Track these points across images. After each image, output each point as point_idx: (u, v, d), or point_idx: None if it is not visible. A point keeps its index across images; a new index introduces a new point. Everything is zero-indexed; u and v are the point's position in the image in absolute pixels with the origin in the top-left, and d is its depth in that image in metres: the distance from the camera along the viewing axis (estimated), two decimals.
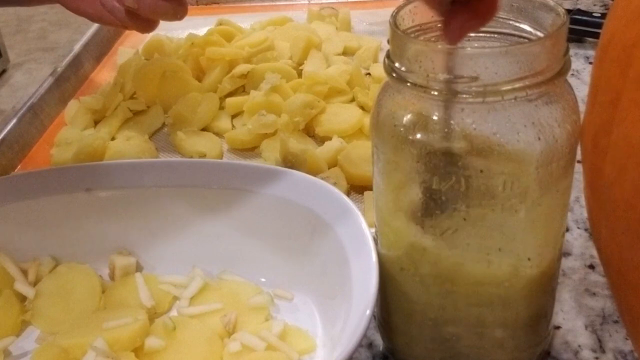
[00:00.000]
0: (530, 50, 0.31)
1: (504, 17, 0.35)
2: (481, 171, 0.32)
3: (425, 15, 0.34)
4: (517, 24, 0.34)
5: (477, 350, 0.38)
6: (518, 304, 0.36)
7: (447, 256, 0.35)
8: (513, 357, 0.38)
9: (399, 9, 0.34)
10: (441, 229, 0.34)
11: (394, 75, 0.32)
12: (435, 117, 0.32)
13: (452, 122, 0.32)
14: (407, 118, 0.33)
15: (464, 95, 0.31)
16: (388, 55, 0.33)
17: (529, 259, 0.34)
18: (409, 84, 0.32)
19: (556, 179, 0.33)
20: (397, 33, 0.32)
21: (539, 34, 0.34)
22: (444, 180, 0.33)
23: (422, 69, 0.31)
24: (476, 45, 0.35)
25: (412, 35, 0.34)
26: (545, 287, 0.37)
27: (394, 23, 0.33)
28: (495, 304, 0.36)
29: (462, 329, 0.37)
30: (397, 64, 0.32)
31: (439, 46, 0.33)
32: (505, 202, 0.33)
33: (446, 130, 0.32)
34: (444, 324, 0.37)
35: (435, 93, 0.31)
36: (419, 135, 0.32)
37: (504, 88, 0.30)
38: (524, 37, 0.34)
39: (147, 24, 0.57)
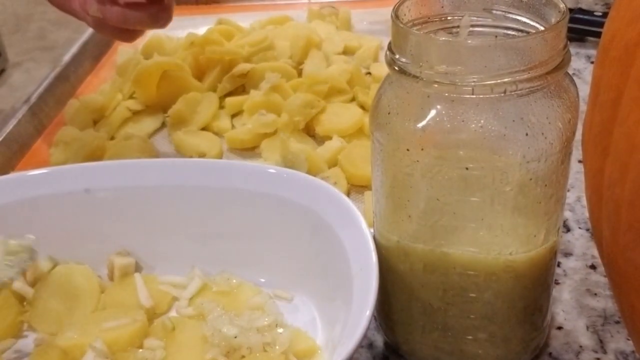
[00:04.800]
0: (521, 44, 0.31)
1: (504, 10, 0.35)
2: (469, 165, 0.33)
3: (428, 8, 0.35)
4: (518, 18, 0.35)
5: (470, 342, 0.38)
6: (508, 296, 0.36)
7: (436, 246, 0.35)
8: (505, 350, 0.38)
9: (401, 2, 0.34)
10: (430, 219, 0.35)
11: (395, 67, 0.33)
12: (430, 109, 0.32)
13: (444, 114, 0.32)
14: (404, 108, 0.33)
15: (454, 88, 0.31)
16: (389, 48, 0.33)
17: (515, 252, 0.35)
18: (407, 75, 0.32)
19: (545, 174, 0.33)
20: (398, 25, 0.33)
21: (541, 29, 0.34)
22: (435, 172, 0.33)
23: (418, 60, 0.32)
24: (477, 38, 0.35)
25: (414, 27, 0.35)
26: (537, 281, 0.37)
27: (396, 15, 0.33)
28: (485, 295, 0.36)
29: (454, 319, 0.37)
30: (397, 56, 0.33)
31: (434, 38, 0.33)
32: (492, 195, 0.33)
33: (440, 122, 0.33)
34: (436, 314, 0.38)
35: (431, 84, 0.32)
36: (415, 126, 0.33)
37: (492, 82, 0.31)
38: (524, 31, 0.35)
39: (124, 34, 0.54)
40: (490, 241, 0.35)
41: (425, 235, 0.36)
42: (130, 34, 0.53)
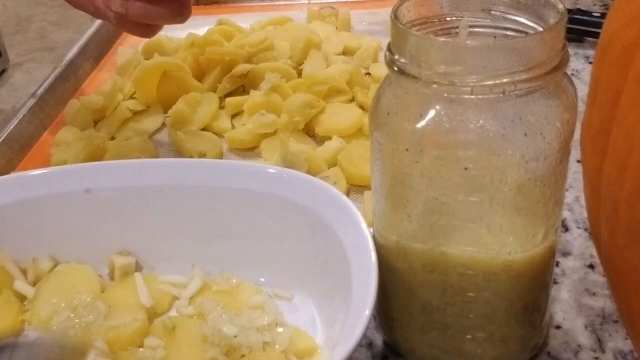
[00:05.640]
0: (520, 45, 0.31)
1: (503, 11, 0.35)
2: (468, 166, 0.33)
3: (428, 9, 0.35)
4: (516, 19, 0.35)
5: (469, 341, 0.38)
6: (507, 296, 0.36)
7: (435, 245, 0.35)
8: (504, 349, 0.38)
9: (401, 3, 0.34)
10: (429, 219, 0.35)
11: (394, 68, 0.33)
12: (430, 110, 0.33)
13: (443, 114, 0.32)
14: (404, 109, 0.34)
15: (453, 88, 0.31)
16: (389, 48, 0.34)
17: (514, 252, 0.35)
18: (406, 76, 0.32)
19: (544, 175, 0.33)
20: (398, 26, 0.33)
21: (540, 29, 0.34)
22: (434, 173, 0.33)
23: (417, 61, 0.32)
24: (477, 39, 0.36)
25: (413, 28, 0.35)
26: (536, 280, 0.37)
27: (395, 16, 0.33)
28: (485, 294, 0.36)
29: (453, 319, 0.38)
30: (396, 57, 0.33)
31: (433, 38, 0.34)
32: (492, 195, 0.33)
33: (439, 123, 0.33)
34: (436, 314, 0.38)
35: (430, 85, 0.32)
36: (414, 127, 0.33)
37: (491, 82, 0.31)
38: (523, 32, 0.35)
39: (145, 29, 0.55)
40: (490, 241, 0.35)
41: (424, 235, 0.36)
42: (150, 30, 0.55)
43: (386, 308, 0.40)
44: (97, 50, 0.78)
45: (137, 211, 0.46)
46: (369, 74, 0.68)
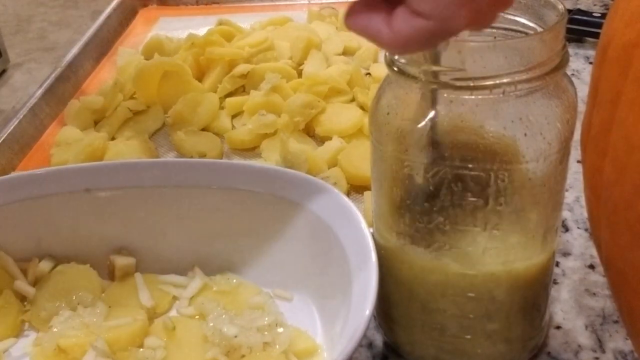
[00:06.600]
0: (520, 45, 0.31)
1: (504, 11, 0.35)
2: (468, 166, 0.33)
3: None
4: (516, 19, 0.35)
5: (468, 341, 0.38)
6: (507, 296, 0.36)
7: (435, 246, 0.35)
8: (504, 349, 0.38)
9: None
10: (429, 220, 0.35)
11: (394, 68, 0.33)
12: (430, 110, 0.33)
13: (443, 114, 0.32)
14: (403, 109, 0.34)
15: (452, 88, 0.31)
16: None
17: (514, 252, 0.35)
18: (406, 76, 0.33)
19: (544, 174, 0.33)
20: None
21: (540, 29, 0.34)
22: (434, 173, 0.33)
23: (417, 61, 0.32)
24: (477, 39, 0.36)
25: None
26: (536, 280, 0.37)
27: None
28: (484, 295, 0.36)
29: (452, 319, 0.38)
30: (396, 57, 0.33)
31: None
32: (491, 195, 0.33)
33: (437, 122, 0.33)
34: (435, 314, 0.38)
35: (429, 85, 0.32)
36: (414, 127, 0.33)
37: (491, 82, 0.31)
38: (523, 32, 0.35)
39: None
40: (489, 241, 0.35)
41: (424, 235, 0.36)
42: None
43: (386, 308, 0.40)
44: (97, 51, 0.78)
45: (138, 211, 0.46)
46: (369, 74, 0.68)
